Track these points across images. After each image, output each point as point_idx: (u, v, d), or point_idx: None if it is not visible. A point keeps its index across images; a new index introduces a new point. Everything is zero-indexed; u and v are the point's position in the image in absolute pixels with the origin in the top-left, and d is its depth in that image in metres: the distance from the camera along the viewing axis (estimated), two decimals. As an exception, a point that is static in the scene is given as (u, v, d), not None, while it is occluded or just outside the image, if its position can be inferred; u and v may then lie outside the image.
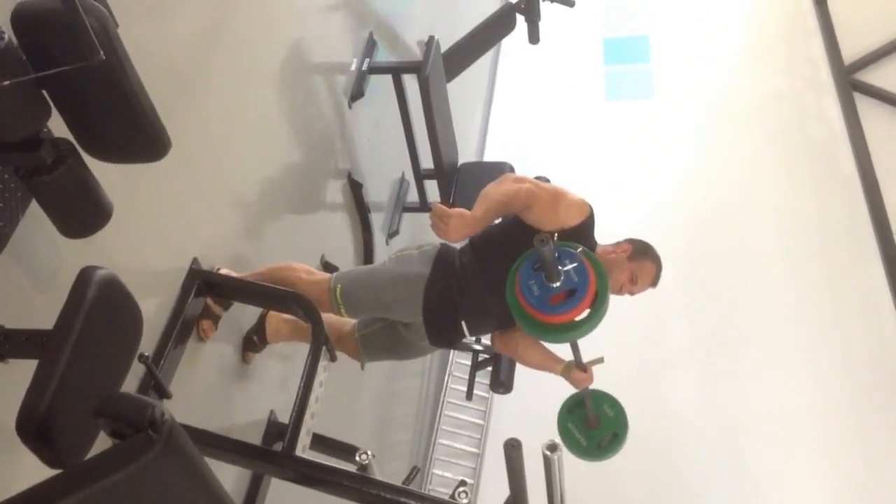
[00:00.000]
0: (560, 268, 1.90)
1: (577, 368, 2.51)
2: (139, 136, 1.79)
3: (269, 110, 3.34)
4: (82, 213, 1.77)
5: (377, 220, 4.45)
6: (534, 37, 5.15)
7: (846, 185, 6.24)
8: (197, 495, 1.22)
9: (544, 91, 7.04)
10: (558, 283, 1.90)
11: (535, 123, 6.75)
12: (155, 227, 2.53)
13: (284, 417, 2.97)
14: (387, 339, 2.89)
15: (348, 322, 2.89)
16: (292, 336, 2.96)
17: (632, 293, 2.56)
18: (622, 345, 5.44)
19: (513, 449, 1.80)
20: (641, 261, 2.55)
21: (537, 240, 1.80)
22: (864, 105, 6.55)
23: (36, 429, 1.34)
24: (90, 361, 1.45)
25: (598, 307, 1.94)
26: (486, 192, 2.42)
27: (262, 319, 2.95)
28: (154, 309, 2.51)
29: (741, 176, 6.38)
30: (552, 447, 1.71)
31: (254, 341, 2.92)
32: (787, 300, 5.77)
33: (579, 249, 2.01)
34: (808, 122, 6.70)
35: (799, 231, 6.09)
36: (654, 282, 2.60)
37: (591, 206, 2.47)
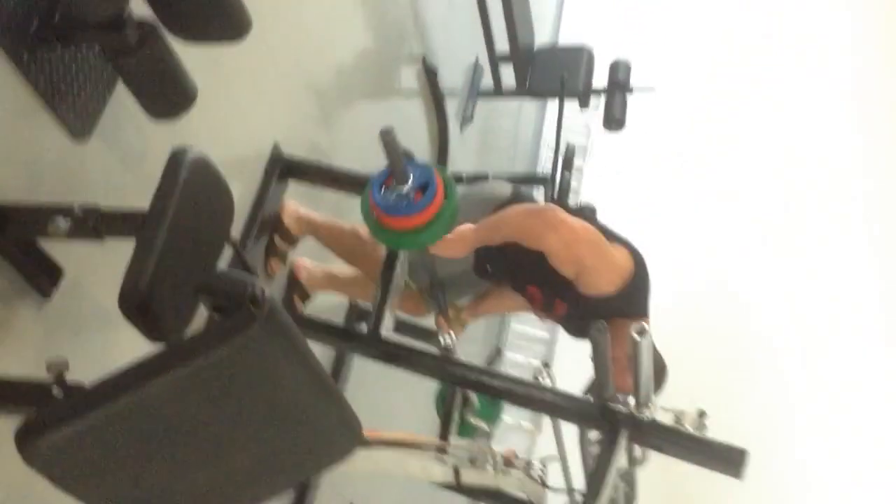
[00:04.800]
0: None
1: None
2: (220, 14, 1.77)
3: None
4: (167, 94, 1.77)
5: (451, 107, 4.37)
6: None
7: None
8: (297, 372, 1.24)
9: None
10: (407, 185, 1.81)
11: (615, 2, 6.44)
12: (236, 113, 2.53)
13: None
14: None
15: None
16: (329, 285, 2.80)
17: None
18: (687, 226, 5.43)
19: (599, 332, 1.78)
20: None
21: (382, 131, 1.68)
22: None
23: (138, 304, 1.37)
24: (185, 240, 1.47)
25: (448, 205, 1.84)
26: (508, 217, 2.09)
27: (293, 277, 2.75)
28: (237, 194, 2.52)
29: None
30: (641, 330, 1.68)
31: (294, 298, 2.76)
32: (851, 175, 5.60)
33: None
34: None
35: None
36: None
37: (629, 276, 2.06)
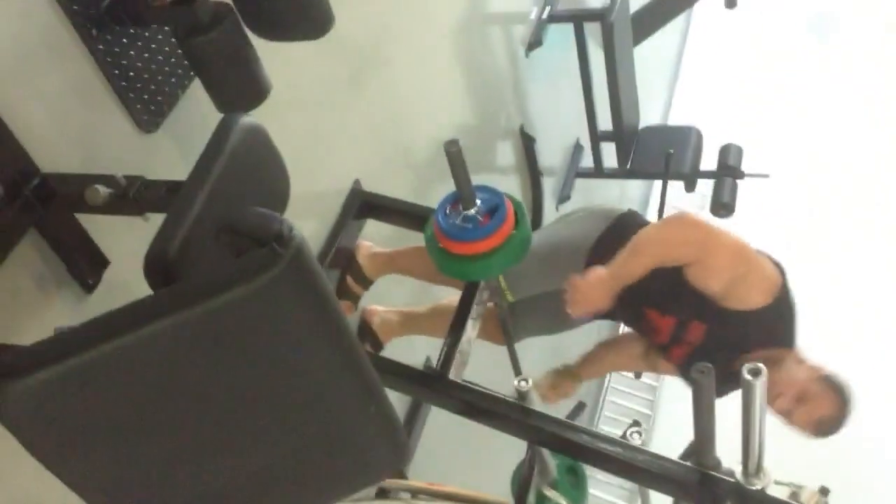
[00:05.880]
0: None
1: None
2: (302, 6, 1.68)
3: (445, 59, 3.20)
4: (238, 83, 1.66)
5: (547, 186, 4.20)
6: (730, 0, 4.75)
7: None
8: (327, 344, 1.03)
9: (741, 56, 6.49)
10: (475, 208, 1.63)
11: (727, 86, 6.24)
12: (318, 147, 2.42)
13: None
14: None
15: None
16: (405, 328, 2.60)
17: (784, 414, 1.97)
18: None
19: (703, 376, 1.49)
20: (825, 390, 1.99)
21: (447, 143, 1.50)
22: None
23: (165, 273, 1.20)
24: (227, 212, 1.30)
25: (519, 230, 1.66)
26: (643, 239, 1.89)
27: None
28: (311, 229, 2.40)
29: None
30: (755, 371, 1.39)
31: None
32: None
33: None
34: None
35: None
36: (820, 426, 2.01)
37: (780, 288, 1.89)
